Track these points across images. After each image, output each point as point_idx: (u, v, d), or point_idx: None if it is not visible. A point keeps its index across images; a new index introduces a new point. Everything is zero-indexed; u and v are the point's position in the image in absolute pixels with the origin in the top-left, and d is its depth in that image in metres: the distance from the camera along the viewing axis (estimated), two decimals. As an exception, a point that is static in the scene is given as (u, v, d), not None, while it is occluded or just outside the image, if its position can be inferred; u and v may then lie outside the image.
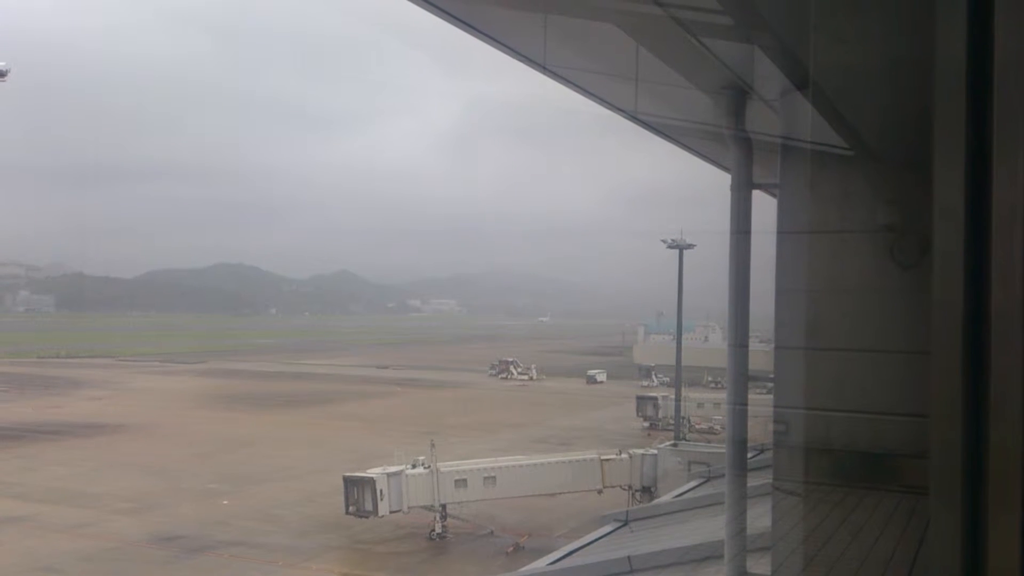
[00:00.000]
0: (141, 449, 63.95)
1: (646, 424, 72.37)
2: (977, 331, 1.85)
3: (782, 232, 7.10)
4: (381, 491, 43.01)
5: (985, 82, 1.86)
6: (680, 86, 7.97)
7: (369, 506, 43.18)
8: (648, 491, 46.42)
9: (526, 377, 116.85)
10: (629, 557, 12.21)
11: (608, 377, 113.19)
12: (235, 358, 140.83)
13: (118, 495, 50.61)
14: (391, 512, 43.60)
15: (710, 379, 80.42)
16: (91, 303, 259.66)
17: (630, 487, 47.62)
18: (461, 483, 45.19)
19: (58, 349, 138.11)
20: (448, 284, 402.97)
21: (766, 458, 9.48)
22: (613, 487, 47.57)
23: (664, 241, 60.31)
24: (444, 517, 44.81)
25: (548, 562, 14.41)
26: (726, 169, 8.32)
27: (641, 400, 76.09)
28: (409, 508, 44.13)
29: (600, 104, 9.42)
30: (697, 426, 65.94)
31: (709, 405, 66.21)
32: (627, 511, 18.03)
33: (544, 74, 8.43)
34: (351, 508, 43.76)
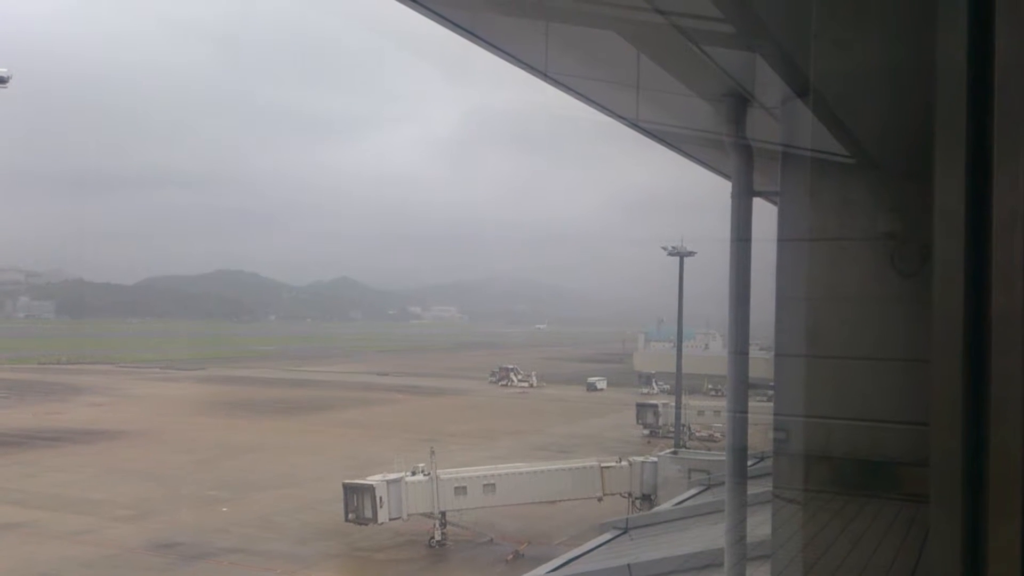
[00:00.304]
0: (141, 455, 63.88)
1: (646, 432, 72.29)
2: (978, 338, 1.85)
3: (782, 240, 7.10)
4: (380, 498, 42.93)
5: (986, 89, 1.86)
6: (681, 94, 7.99)
7: (368, 513, 43.09)
8: (648, 499, 46.32)
9: (526, 384, 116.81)
10: (629, 565, 12.19)
11: (608, 384, 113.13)
12: (235, 365, 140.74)
13: (117, 502, 50.56)
14: (391, 519, 43.51)
15: (710, 386, 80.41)
16: (91, 309, 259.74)
17: (630, 495, 47.53)
18: (461, 490, 45.11)
19: (58, 355, 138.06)
20: (449, 291, 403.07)
21: (766, 466, 9.47)
22: (613, 495, 47.48)
23: (664, 248, 60.29)
24: (444, 524, 44.73)
25: (547, 570, 14.38)
26: (727, 176, 8.32)
27: (641, 407, 76.00)
28: (409, 515, 44.04)
29: (601, 111, 9.43)
30: (697, 434, 65.89)
31: (709, 413, 66.15)
32: (627, 519, 17.99)
33: (545, 81, 8.44)
34: (350, 515, 43.68)
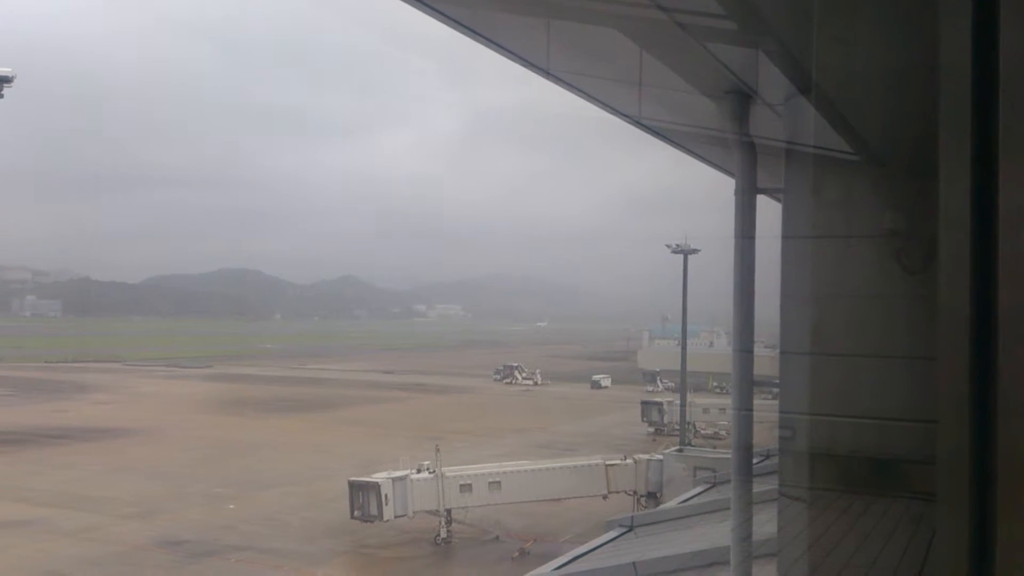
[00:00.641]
0: (147, 453, 64.04)
1: (651, 429, 72.26)
2: (984, 335, 1.84)
3: (787, 237, 7.08)
4: (386, 496, 42.98)
5: (990, 86, 1.85)
6: (684, 91, 7.97)
7: (374, 511, 43.16)
8: (653, 496, 46.32)
9: (531, 382, 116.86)
10: (634, 563, 12.19)
11: (613, 382, 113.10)
12: (241, 363, 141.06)
13: (124, 499, 50.69)
14: (396, 517, 43.57)
15: (715, 384, 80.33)
16: (97, 308, 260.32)
17: (635, 492, 47.54)
18: (466, 488, 45.15)
19: (65, 354, 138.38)
20: (453, 289, 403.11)
21: (772, 463, 9.46)
22: (618, 492, 47.49)
23: (668, 246, 60.20)
24: (449, 522, 44.78)
25: (553, 567, 14.38)
26: (730, 174, 8.31)
27: (646, 405, 75.94)
28: (414, 513, 44.10)
29: (604, 109, 9.42)
30: (702, 431, 65.84)
31: (714, 410, 66.09)
32: (632, 516, 17.98)
33: (548, 79, 8.43)
34: (356, 513, 43.75)
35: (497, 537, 45.27)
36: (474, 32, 7.34)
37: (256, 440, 69.91)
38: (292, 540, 44.10)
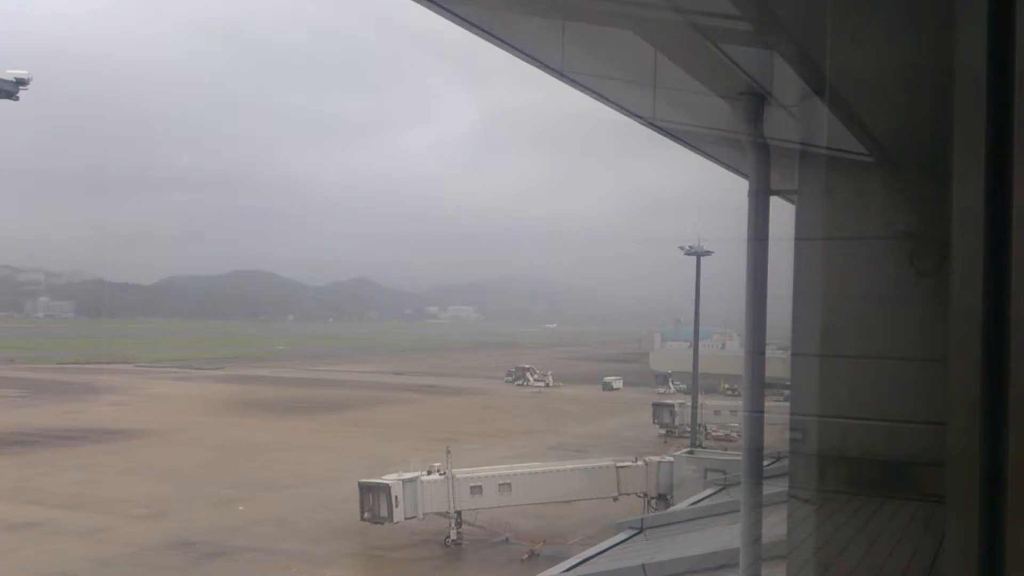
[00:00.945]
0: (158, 455, 64.24)
1: (662, 431, 72.11)
2: (996, 337, 1.83)
3: (800, 238, 7.06)
4: (396, 497, 42.98)
5: (1005, 85, 1.84)
6: (698, 92, 7.96)
7: (384, 512, 43.16)
8: (664, 499, 46.20)
9: (542, 384, 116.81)
10: (644, 565, 12.16)
11: (624, 384, 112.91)
12: (253, 364, 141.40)
13: (135, 500, 50.84)
14: (406, 518, 43.57)
15: (727, 386, 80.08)
16: (110, 309, 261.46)
17: (646, 494, 47.42)
18: (476, 490, 45.12)
19: (77, 355, 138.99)
20: (465, 291, 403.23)
21: (782, 466, 9.42)
22: (629, 494, 47.38)
23: (682, 247, 60.05)
24: (459, 524, 44.76)
25: (563, 569, 14.36)
26: (744, 175, 8.29)
27: (657, 407, 75.79)
28: (424, 515, 44.10)
29: (618, 111, 9.41)
30: (714, 433, 65.64)
31: (726, 412, 65.89)
32: (642, 519, 17.94)
33: (562, 81, 8.43)
34: (366, 514, 43.77)
35: (507, 539, 45.23)
36: (489, 34, 7.35)
37: (267, 441, 70.06)
38: (302, 541, 44.16)
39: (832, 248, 6.86)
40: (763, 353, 7.99)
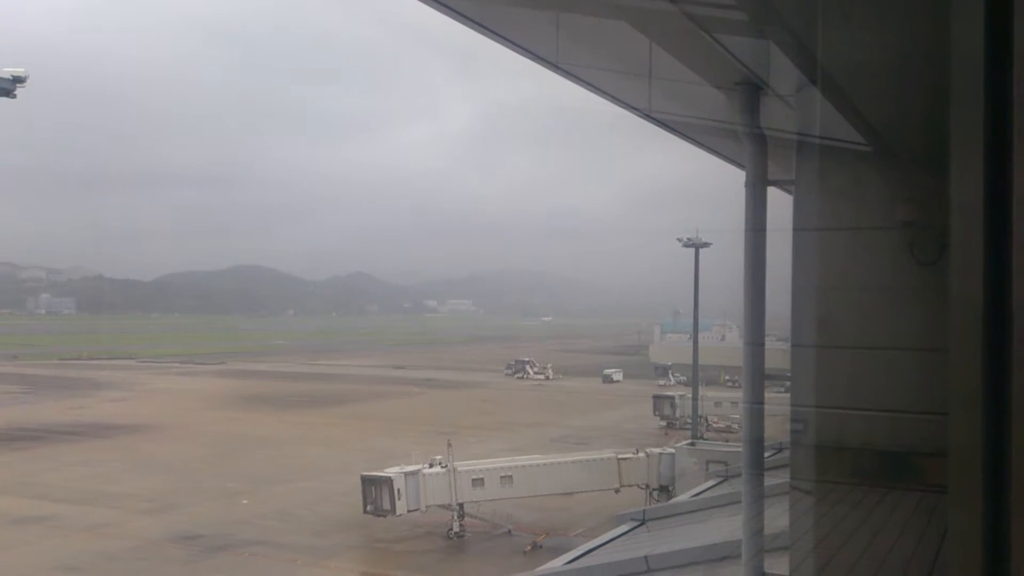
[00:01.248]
0: (161, 449, 64.40)
1: (663, 423, 72.21)
2: (997, 327, 1.82)
3: (798, 229, 7.03)
4: (399, 490, 43.11)
5: (1003, 74, 1.82)
6: (694, 83, 7.92)
7: (387, 505, 43.30)
8: (665, 490, 46.30)
9: (542, 377, 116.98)
10: (646, 557, 12.16)
11: (625, 376, 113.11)
12: (253, 359, 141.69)
13: (139, 495, 50.98)
14: (409, 511, 43.70)
15: (727, 378, 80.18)
16: (111, 305, 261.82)
17: (647, 486, 47.52)
18: (478, 482, 45.22)
19: (79, 351, 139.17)
20: (464, 284, 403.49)
21: (784, 457, 9.42)
22: (630, 486, 47.48)
23: (680, 239, 60.03)
24: (461, 516, 44.87)
25: (564, 561, 14.38)
26: (741, 166, 8.26)
27: (658, 399, 75.91)
28: (427, 507, 44.21)
29: (613, 102, 9.38)
30: (715, 425, 65.74)
31: (726, 404, 65.98)
32: (644, 510, 17.95)
33: (556, 73, 8.40)
34: (369, 507, 43.90)
35: (509, 531, 45.33)
36: (482, 27, 7.31)
37: (269, 435, 70.22)
38: (305, 534, 44.29)
39: (830, 238, 6.84)
40: (762, 344, 7.97)
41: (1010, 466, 1.79)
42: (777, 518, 7.90)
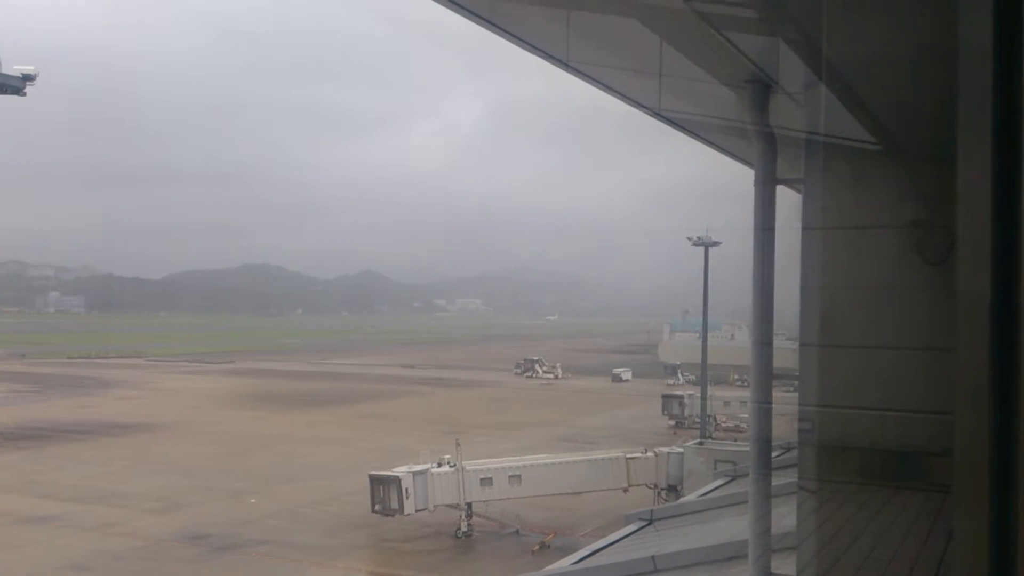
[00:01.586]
0: (170, 448, 64.54)
1: (672, 422, 72.10)
2: (1005, 326, 1.81)
3: (807, 228, 7.01)
4: (407, 490, 43.11)
5: (1013, 72, 1.81)
6: (703, 81, 7.91)
7: (395, 504, 43.30)
8: (674, 490, 46.22)
9: (551, 376, 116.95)
10: (653, 556, 12.13)
11: (634, 375, 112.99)
12: (263, 358, 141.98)
13: (147, 494, 51.10)
14: (417, 510, 43.69)
15: (736, 377, 80.00)
16: (120, 304, 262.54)
17: (656, 486, 47.44)
18: (487, 482, 45.20)
19: (88, 349, 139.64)
20: (474, 283, 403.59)
21: (792, 456, 9.39)
22: (639, 486, 47.41)
23: (690, 238, 59.94)
24: (470, 515, 44.85)
25: (572, 561, 14.36)
26: (750, 164, 8.23)
27: (667, 398, 75.81)
28: (435, 507, 44.21)
29: (623, 100, 9.36)
30: (723, 424, 65.60)
31: (735, 403, 65.84)
32: (652, 510, 17.93)
33: (567, 71, 8.39)
34: (377, 507, 43.91)
35: (517, 531, 45.30)
36: (493, 24, 7.30)
37: (278, 435, 70.33)
38: (313, 534, 44.33)
39: (839, 237, 6.81)
40: (771, 344, 7.94)
41: (1017, 466, 1.77)
42: (785, 518, 7.87)
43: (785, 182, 7.96)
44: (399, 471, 43.92)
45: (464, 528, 44.58)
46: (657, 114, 9.99)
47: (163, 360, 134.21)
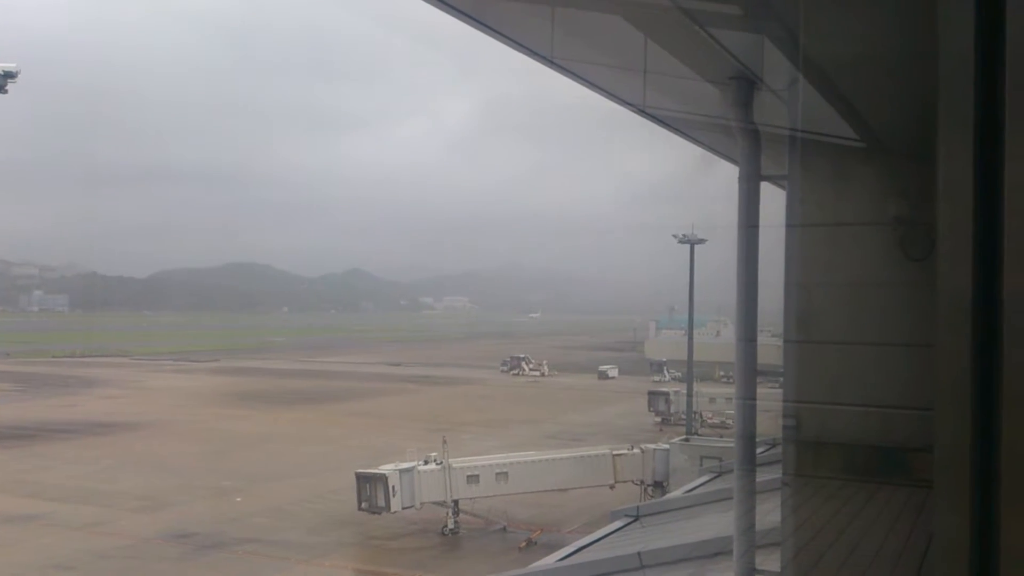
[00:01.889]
0: (155, 447, 64.27)
1: (658, 419, 72.32)
2: (986, 322, 1.81)
3: (791, 225, 7.03)
4: (393, 487, 43.11)
5: (995, 69, 1.81)
6: (688, 78, 7.92)
7: (382, 502, 43.30)
8: (660, 486, 46.38)
9: (538, 373, 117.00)
10: (639, 553, 12.17)
11: (620, 372, 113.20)
12: (248, 356, 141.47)
13: (132, 493, 50.89)
14: (403, 508, 43.71)
15: (722, 374, 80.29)
16: (105, 302, 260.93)
17: (642, 482, 47.59)
18: (473, 479, 45.25)
19: (72, 348, 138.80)
20: (460, 281, 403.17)
21: (776, 452, 9.42)
22: (625, 482, 47.54)
23: (675, 235, 60.04)
24: (456, 513, 44.88)
25: (558, 558, 14.39)
26: (734, 161, 8.26)
27: (653, 395, 76.02)
28: (421, 504, 44.23)
29: (608, 97, 9.37)
30: (709, 421, 65.86)
31: (721, 400, 66.10)
32: (638, 506, 17.99)
33: (551, 68, 8.39)
34: (364, 504, 43.89)
35: (504, 528, 45.37)
36: (478, 22, 7.29)
37: (264, 433, 70.14)
38: (299, 532, 44.26)
39: (822, 233, 6.83)
40: (755, 340, 7.98)
41: (997, 462, 1.78)
42: (770, 514, 7.91)
43: (769, 178, 7.99)
44: (386, 469, 43.90)
45: (451, 525, 44.61)
46: (642, 111, 10.01)
47: (148, 359, 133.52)
